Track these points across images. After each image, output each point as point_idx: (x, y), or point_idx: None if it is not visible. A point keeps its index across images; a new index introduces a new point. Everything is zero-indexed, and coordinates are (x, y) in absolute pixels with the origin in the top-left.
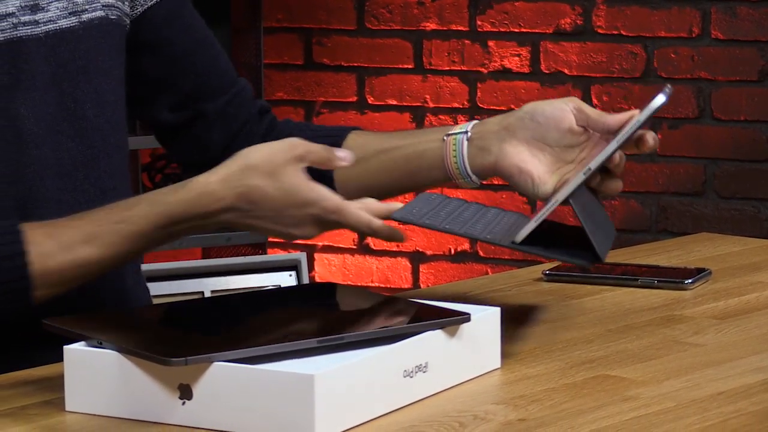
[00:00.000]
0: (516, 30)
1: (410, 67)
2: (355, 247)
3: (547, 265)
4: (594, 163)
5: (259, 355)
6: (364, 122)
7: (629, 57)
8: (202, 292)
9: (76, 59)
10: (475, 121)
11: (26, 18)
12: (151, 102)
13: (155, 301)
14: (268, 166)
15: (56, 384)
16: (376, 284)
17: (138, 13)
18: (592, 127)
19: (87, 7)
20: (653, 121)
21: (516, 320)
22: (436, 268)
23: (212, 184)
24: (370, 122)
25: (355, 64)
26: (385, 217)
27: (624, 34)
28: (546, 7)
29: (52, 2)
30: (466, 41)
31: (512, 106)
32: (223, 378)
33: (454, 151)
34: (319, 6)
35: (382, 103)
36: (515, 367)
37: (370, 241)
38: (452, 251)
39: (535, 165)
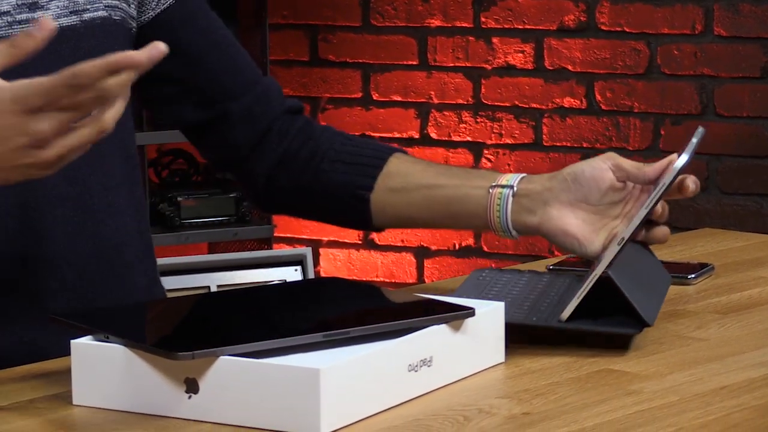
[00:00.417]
0: (520, 27)
1: (415, 63)
2: (360, 242)
3: (551, 260)
4: (627, 233)
5: (265, 349)
6: (370, 118)
7: (632, 53)
8: (209, 287)
9: (78, 58)
10: (521, 176)
11: (23, 16)
12: (176, 103)
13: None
14: None
15: (63, 378)
16: (381, 279)
17: (150, 17)
18: (632, 181)
19: (88, 6)
20: (657, 118)
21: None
22: (441, 263)
23: None
24: (375, 118)
25: (360, 61)
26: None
27: (627, 30)
28: (549, 3)
29: (51, 1)
30: (471, 38)
31: (516, 102)
32: (229, 372)
33: (498, 205)
34: (324, 3)
35: (387, 99)
36: (519, 362)
37: (375, 236)
38: (457, 246)
39: (579, 226)
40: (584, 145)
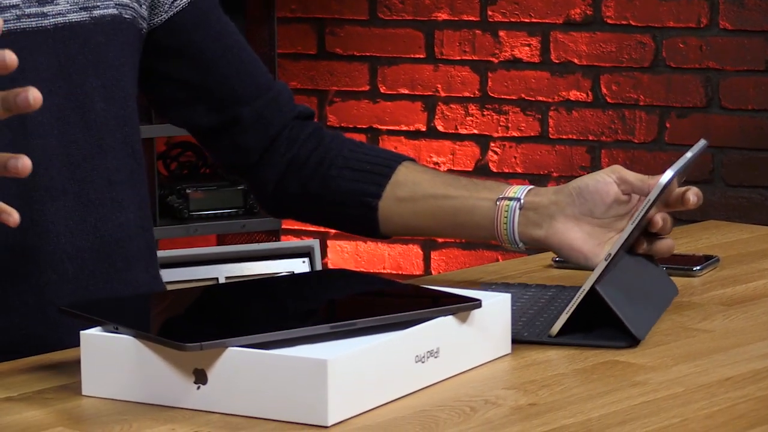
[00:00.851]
0: (526, 20)
1: (422, 56)
2: None
3: None
4: (613, 249)
5: (273, 340)
6: (377, 111)
7: (638, 47)
8: (217, 278)
9: (86, 53)
10: (528, 188)
11: (32, 10)
12: (187, 106)
13: (170, 287)
14: None
15: (73, 369)
16: (388, 271)
17: (162, 20)
18: (637, 193)
19: (99, 3)
20: (662, 110)
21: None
22: (448, 255)
23: None
24: (382, 111)
25: (368, 54)
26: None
27: (633, 24)
28: None
29: None
30: (477, 31)
31: (522, 95)
32: (237, 363)
33: (505, 218)
34: None
35: (394, 92)
36: (525, 353)
37: None
38: (464, 239)
39: (584, 240)
40: (590, 138)
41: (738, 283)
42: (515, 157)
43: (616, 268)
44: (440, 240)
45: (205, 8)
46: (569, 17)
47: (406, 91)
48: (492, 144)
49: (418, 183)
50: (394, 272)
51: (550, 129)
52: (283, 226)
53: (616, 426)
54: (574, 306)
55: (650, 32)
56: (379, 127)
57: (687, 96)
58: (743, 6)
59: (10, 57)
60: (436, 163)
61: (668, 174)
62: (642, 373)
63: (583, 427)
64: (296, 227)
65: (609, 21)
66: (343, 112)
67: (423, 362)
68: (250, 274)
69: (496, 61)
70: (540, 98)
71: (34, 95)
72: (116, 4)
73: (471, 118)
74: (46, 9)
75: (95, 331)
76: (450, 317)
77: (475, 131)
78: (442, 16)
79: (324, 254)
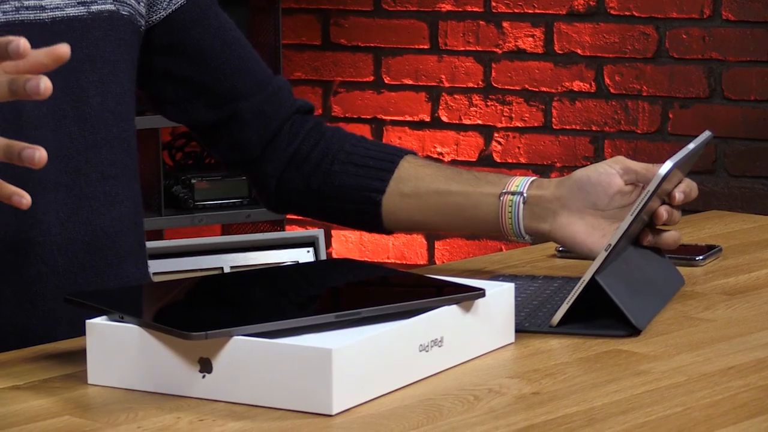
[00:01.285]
0: (530, 11)
1: (426, 47)
2: None
3: None
4: (613, 239)
5: (278, 329)
6: (381, 101)
7: (641, 38)
8: (222, 268)
9: (83, 47)
10: (531, 180)
11: (30, 2)
12: (187, 103)
13: (175, 276)
14: None
15: (78, 358)
16: (392, 261)
17: (161, 17)
18: (642, 182)
19: None
20: (665, 101)
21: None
22: (451, 245)
23: None
24: (386, 101)
25: (372, 45)
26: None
27: (636, 15)
28: None
29: None
30: (481, 22)
31: (526, 86)
32: (242, 352)
33: (510, 212)
34: None
35: (398, 83)
36: (529, 342)
37: None
38: None
39: (588, 233)
40: (593, 128)
41: (740, 272)
42: (519, 148)
43: (618, 258)
44: None
45: (203, 5)
46: (573, 8)
47: (410, 82)
48: (496, 134)
49: (421, 178)
50: (398, 262)
51: (553, 119)
52: (288, 216)
53: (619, 415)
54: (575, 296)
55: (653, 23)
56: (384, 117)
57: (690, 86)
58: None
59: (24, 45)
60: (440, 154)
61: (667, 165)
62: (645, 362)
63: (586, 415)
64: (300, 217)
65: (612, 12)
66: (348, 103)
67: (427, 351)
68: (254, 264)
69: (499, 51)
70: (543, 89)
71: (45, 84)
72: (113, 1)
73: (475, 108)
74: (44, 2)
75: (101, 320)
76: (454, 306)
77: (479, 122)
78: (446, 6)
79: (328, 244)
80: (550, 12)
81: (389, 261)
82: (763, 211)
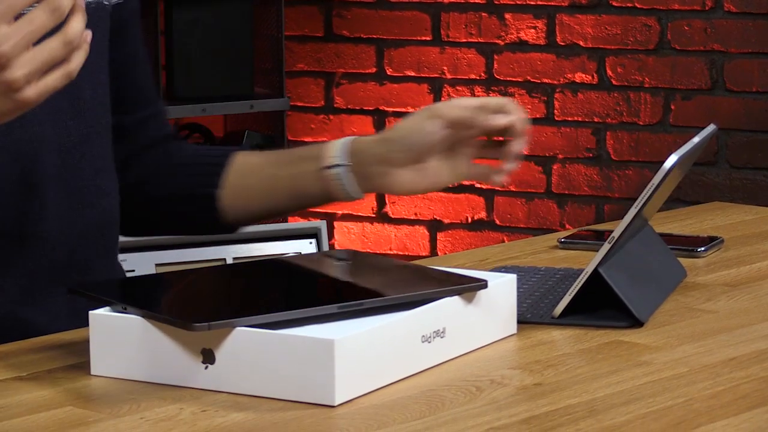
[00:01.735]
0: (532, 3)
1: (428, 39)
2: (374, 215)
3: (563, 233)
4: (616, 232)
5: (281, 320)
6: (384, 93)
7: (643, 29)
8: (224, 259)
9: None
10: (347, 144)
11: None
12: None
13: (178, 268)
14: None
15: (81, 348)
16: (395, 252)
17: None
18: (464, 123)
19: None
20: (667, 93)
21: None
22: (454, 236)
23: None
24: (388, 93)
25: (374, 36)
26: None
27: (638, 6)
28: None
29: None
30: (483, 14)
31: (528, 78)
32: (245, 343)
33: (339, 181)
34: None
35: (401, 75)
36: (531, 333)
37: (389, 209)
38: (469, 219)
39: (422, 177)
40: (595, 119)
41: (742, 264)
42: None
43: (621, 250)
44: (446, 221)
45: (130, 10)
46: (574, 0)
47: (413, 74)
48: None
49: (252, 167)
50: (401, 253)
51: (555, 111)
52: None
53: (621, 405)
54: (577, 288)
55: (655, 15)
56: (386, 109)
57: (692, 78)
58: None
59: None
60: None
61: (672, 158)
62: (647, 353)
63: (588, 406)
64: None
65: (614, 3)
66: (350, 95)
67: (429, 342)
68: (257, 255)
69: (502, 43)
70: (545, 80)
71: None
72: None
73: None
74: None
75: (104, 311)
76: (456, 297)
77: None
78: None
79: (331, 235)
80: (552, 3)
81: (391, 252)
82: (764, 202)
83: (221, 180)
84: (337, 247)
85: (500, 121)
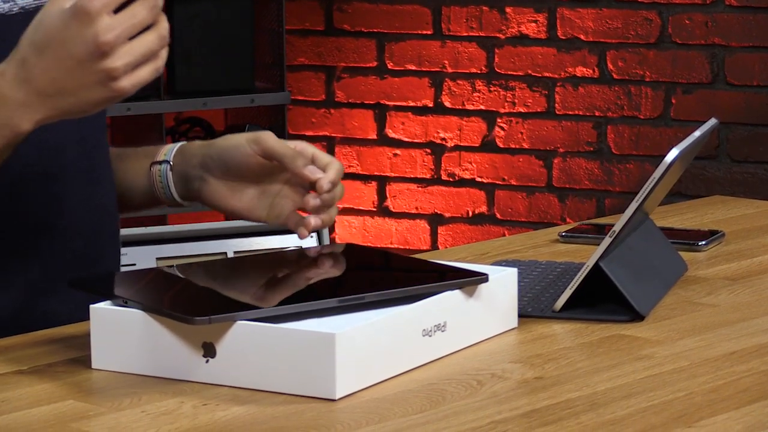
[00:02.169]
0: None
1: (429, 33)
2: (375, 209)
3: (564, 227)
4: (617, 226)
5: (282, 314)
6: (384, 87)
7: (644, 23)
8: (225, 253)
9: None
10: (179, 146)
11: None
12: None
13: (179, 262)
14: (32, 24)
15: (82, 342)
16: (396, 246)
17: None
18: (282, 161)
19: None
20: (668, 86)
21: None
22: (454, 230)
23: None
24: (389, 87)
25: (375, 30)
26: None
27: (639, 0)
28: None
29: None
30: (484, 7)
31: (529, 72)
32: (246, 336)
33: (161, 180)
34: None
35: (402, 69)
36: (532, 327)
37: (390, 204)
38: (470, 213)
39: (231, 196)
40: (596, 113)
41: (743, 257)
42: (522, 133)
43: (622, 244)
44: (447, 215)
45: None
46: None
47: (414, 68)
48: (499, 120)
49: (110, 161)
50: (401, 247)
51: (556, 105)
52: None
53: (622, 399)
54: (578, 282)
55: (656, 8)
56: (387, 103)
57: (693, 72)
58: None
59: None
60: (443, 139)
61: (674, 152)
62: (647, 347)
63: (588, 400)
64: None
65: None
66: (351, 88)
67: (430, 336)
68: (258, 249)
69: (502, 37)
70: (546, 74)
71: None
72: None
73: (478, 94)
74: None
75: (105, 305)
76: (457, 291)
77: (482, 107)
78: None
79: (332, 229)
80: None
81: (392, 246)
82: (765, 196)
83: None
84: (338, 241)
85: (306, 172)
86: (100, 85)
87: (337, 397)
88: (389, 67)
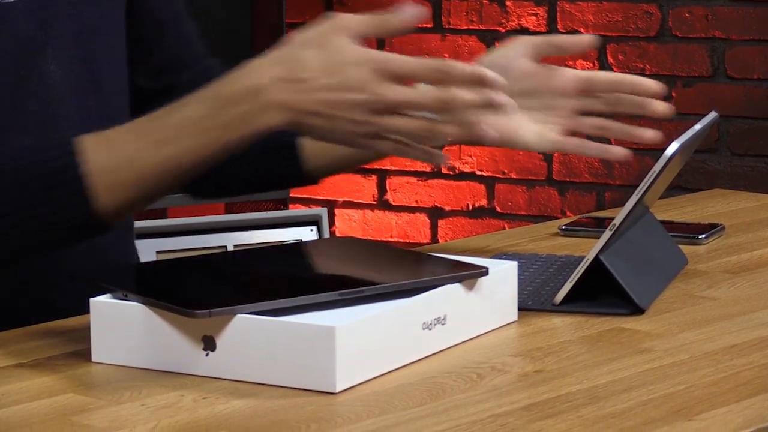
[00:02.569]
0: None
1: (429, 26)
2: (375, 202)
3: (564, 220)
4: (617, 219)
5: (282, 307)
6: None
7: (644, 16)
8: (225, 247)
9: (95, 17)
10: None
11: None
12: (130, 66)
13: (181, 255)
14: (315, 39)
15: (82, 336)
16: (396, 239)
17: None
18: (545, 53)
19: None
20: (668, 80)
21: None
22: (454, 224)
23: (260, 59)
24: None
25: None
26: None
27: None
28: None
29: None
30: (485, 1)
31: None
32: (246, 330)
33: None
34: None
35: None
36: (532, 320)
37: (390, 197)
38: (470, 207)
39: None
40: None
41: (743, 251)
42: None
43: (622, 238)
44: (447, 208)
45: None
46: None
47: None
48: None
49: None
50: (401, 240)
51: None
52: (291, 195)
53: (622, 392)
54: (578, 275)
55: (656, 2)
56: None
57: (693, 65)
58: None
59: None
60: None
61: (674, 146)
62: (648, 340)
63: (588, 393)
64: (304, 195)
65: None
66: None
67: (430, 329)
68: (258, 243)
69: (503, 30)
70: None
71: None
72: None
73: None
74: None
75: (105, 298)
76: (457, 285)
77: None
78: None
79: (332, 223)
80: None
81: (392, 239)
82: (766, 189)
83: None
84: (338, 234)
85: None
86: (348, 124)
87: (337, 391)
88: None
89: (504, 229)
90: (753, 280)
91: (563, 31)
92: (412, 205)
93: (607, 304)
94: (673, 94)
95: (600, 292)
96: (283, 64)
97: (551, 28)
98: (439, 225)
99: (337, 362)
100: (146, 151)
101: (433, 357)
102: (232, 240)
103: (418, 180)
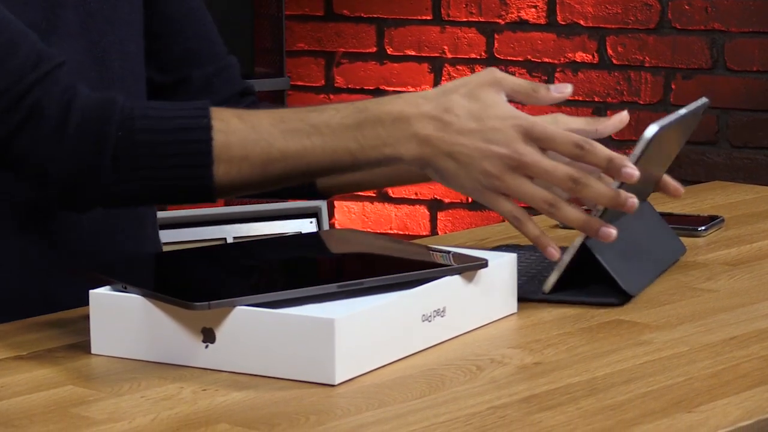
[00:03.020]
0: None
1: (428, 18)
2: (374, 195)
3: None
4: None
5: (281, 299)
6: (384, 72)
7: (644, 8)
8: (225, 239)
9: (104, 9)
10: None
11: None
12: (145, 58)
13: (179, 247)
14: (466, 88)
15: (82, 328)
16: (395, 231)
17: None
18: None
19: None
20: (667, 72)
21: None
22: (454, 216)
23: (414, 94)
24: (389, 72)
25: (375, 16)
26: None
27: None
28: None
29: None
30: None
31: (528, 57)
32: (245, 322)
33: None
34: None
35: (401, 54)
36: (531, 312)
37: (390, 189)
38: (469, 199)
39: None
40: (596, 99)
41: (743, 243)
42: None
43: (612, 224)
44: (447, 200)
45: None
46: None
47: (413, 53)
48: None
49: None
50: (401, 232)
51: None
52: None
53: (621, 384)
54: (566, 262)
55: None
56: (386, 88)
57: (692, 57)
58: None
59: (632, 202)
60: None
61: (653, 128)
62: (647, 332)
63: (588, 385)
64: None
65: None
66: (351, 74)
67: (429, 321)
68: (257, 235)
69: (502, 22)
70: (546, 60)
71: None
72: None
73: None
74: None
75: (104, 291)
76: (456, 277)
77: None
78: None
79: (331, 215)
80: None
81: (392, 232)
82: (765, 181)
83: None
84: (337, 226)
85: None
86: (475, 172)
87: (336, 383)
88: (389, 53)
89: (503, 221)
90: (752, 272)
91: (563, 23)
92: (412, 197)
93: (596, 292)
94: (673, 86)
95: (592, 282)
96: (435, 103)
97: (550, 21)
98: (438, 217)
99: (336, 354)
100: (276, 135)
101: (432, 349)
102: (231, 232)
103: None
